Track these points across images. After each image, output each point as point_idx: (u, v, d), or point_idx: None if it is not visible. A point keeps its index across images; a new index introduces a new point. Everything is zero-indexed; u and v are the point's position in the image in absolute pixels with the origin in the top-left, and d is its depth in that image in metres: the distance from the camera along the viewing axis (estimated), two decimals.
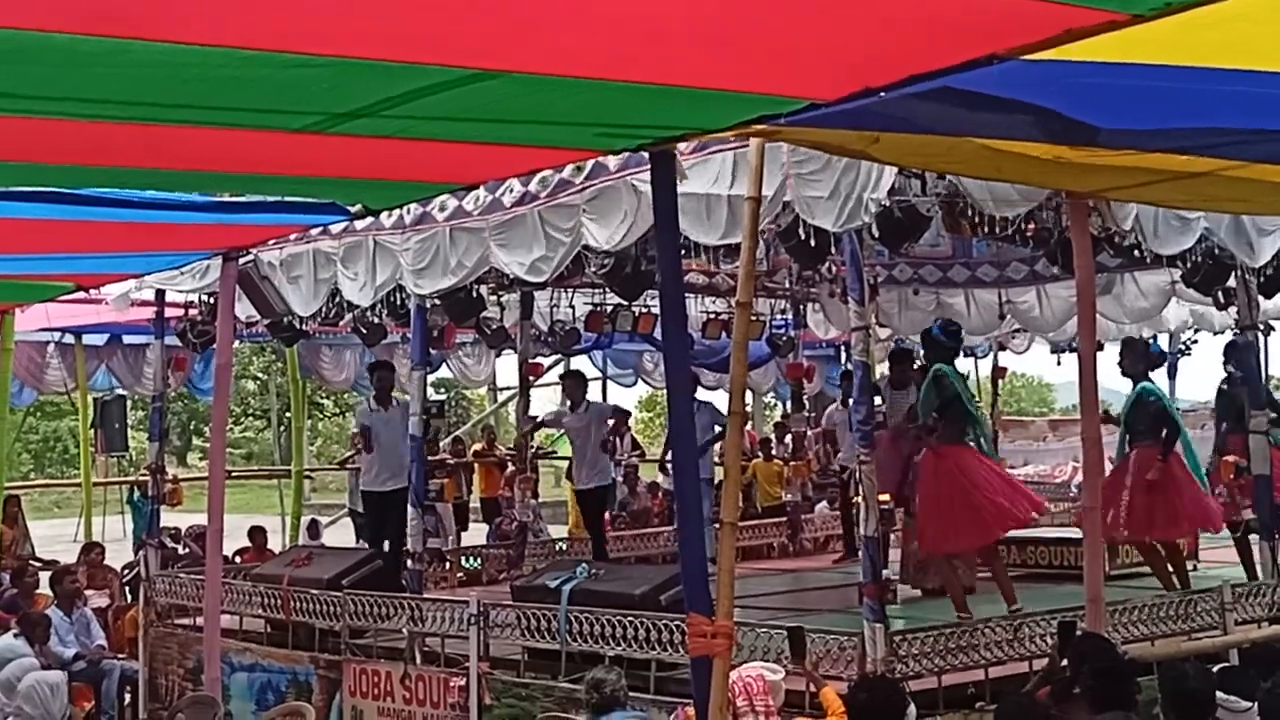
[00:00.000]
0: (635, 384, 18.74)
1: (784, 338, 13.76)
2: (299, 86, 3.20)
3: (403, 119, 3.51)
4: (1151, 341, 10.55)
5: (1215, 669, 5.82)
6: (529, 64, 3.10)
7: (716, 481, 11.61)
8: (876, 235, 7.00)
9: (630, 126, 3.92)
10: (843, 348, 15.67)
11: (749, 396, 18.60)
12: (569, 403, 11.82)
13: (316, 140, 3.71)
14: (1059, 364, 14.57)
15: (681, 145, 5.03)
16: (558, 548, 12.26)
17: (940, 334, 8.66)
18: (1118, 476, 8.64)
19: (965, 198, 6.79)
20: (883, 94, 3.46)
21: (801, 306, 13.55)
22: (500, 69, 3.09)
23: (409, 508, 9.40)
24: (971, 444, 8.05)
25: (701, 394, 11.70)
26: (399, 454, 10.24)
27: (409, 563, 9.39)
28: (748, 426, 16.91)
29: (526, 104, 3.43)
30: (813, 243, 6.79)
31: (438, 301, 9.60)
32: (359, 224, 8.39)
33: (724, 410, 8.81)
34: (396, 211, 8.35)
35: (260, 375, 36.92)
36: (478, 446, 17.42)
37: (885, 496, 7.72)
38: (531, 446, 12.73)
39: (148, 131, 3.69)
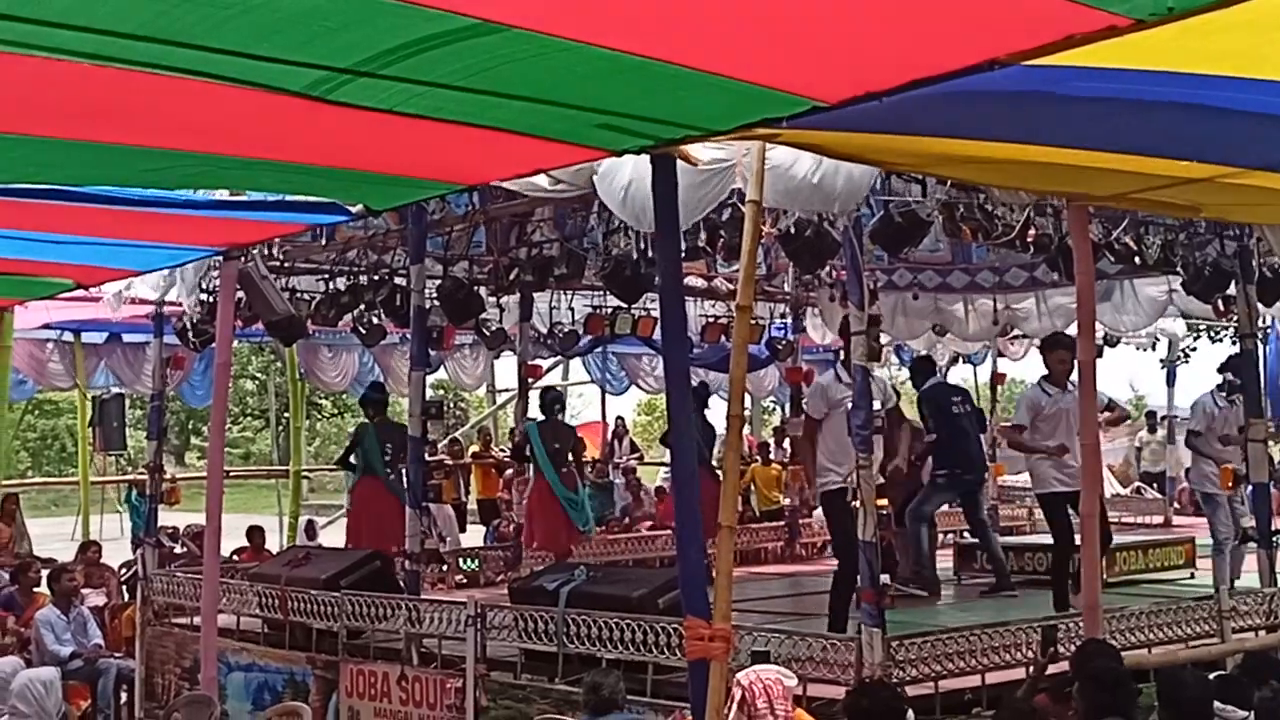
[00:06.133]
0: (628, 389, 18.77)
1: (783, 342, 13.76)
2: (299, 23, 3.01)
3: (402, 83, 3.40)
4: None
5: (1212, 677, 5.82)
6: (534, 19, 3.03)
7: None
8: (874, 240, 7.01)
9: (633, 118, 3.86)
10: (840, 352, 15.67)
11: (747, 400, 18.60)
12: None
13: (316, 112, 3.58)
14: None
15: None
16: None
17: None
18: None
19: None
20: (883, 99, 3.47)
21: (800, 311, 13.56)
22: (504, 21, 3.01)
23: (407, 509, 9.36)
24: None
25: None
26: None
27: (405, 564, 9.37)
28: (746, 431, 16.90)
29: (528, 73, 3.36)
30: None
31: (437, 302, 9.59)
32: None
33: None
34: None
35: (259, 375, 36.90)
36: (475, 448, 17.44)
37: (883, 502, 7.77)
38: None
39: (128, 79, 3.31)
